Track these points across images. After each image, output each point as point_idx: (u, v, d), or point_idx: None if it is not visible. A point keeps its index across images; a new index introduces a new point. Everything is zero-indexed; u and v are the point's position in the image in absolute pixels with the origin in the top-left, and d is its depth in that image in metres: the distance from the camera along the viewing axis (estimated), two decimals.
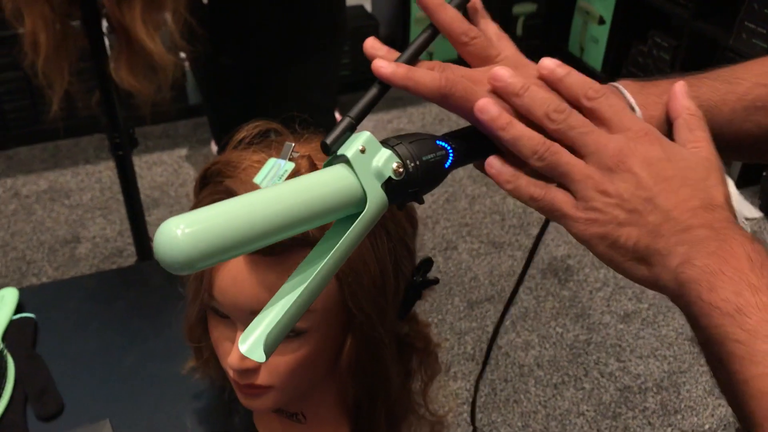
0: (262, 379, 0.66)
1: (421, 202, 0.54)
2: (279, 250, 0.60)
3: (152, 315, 1.03)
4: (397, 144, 0.52)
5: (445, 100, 0.52)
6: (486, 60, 0.56)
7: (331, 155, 0.51)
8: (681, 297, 0.45)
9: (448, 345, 1.99)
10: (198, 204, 0.65)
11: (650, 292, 2.15)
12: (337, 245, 0.48)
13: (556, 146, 0.50)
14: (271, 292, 0.61)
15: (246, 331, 0.47)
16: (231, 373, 0.66)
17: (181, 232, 0.41)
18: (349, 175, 0.49)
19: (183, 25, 1.32)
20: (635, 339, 2.02)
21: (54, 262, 2.25)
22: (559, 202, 0.50)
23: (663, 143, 0.49)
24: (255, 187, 0.60)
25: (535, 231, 2.36)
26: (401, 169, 0.51)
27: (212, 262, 0.42)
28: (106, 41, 1.43)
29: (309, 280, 0.48)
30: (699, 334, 0.45)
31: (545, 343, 2.01)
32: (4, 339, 0.97)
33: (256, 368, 0.65)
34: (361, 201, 0.50)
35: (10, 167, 2.64)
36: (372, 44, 0.55)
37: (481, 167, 0.57)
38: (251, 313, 0.62)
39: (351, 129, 0.51)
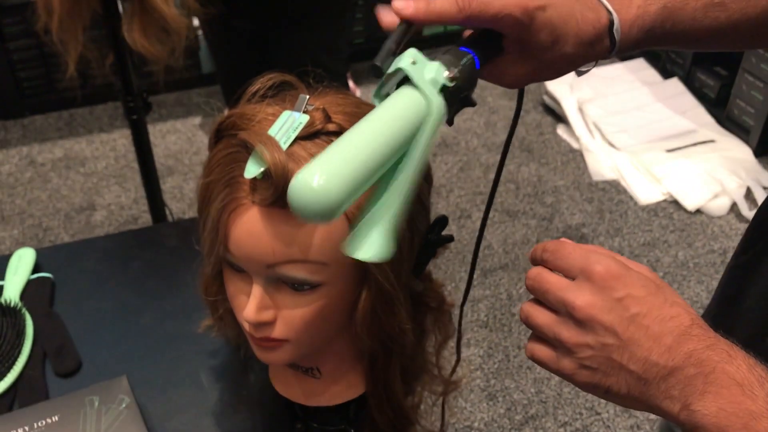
0: (277, 332, 0.66)
1: (474, 103, 0.57)
2: None
3: (168, 275, 1.04)
4: (435, 57, 0.54)
5: (467, 20, 0.54)
6: None
7: (384, 74, 0.52)
8: None
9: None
10: (213, 157, 0.65)
11: (665, 261, 2.14)
12: (417, 148, 0.51)
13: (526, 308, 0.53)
14: (286, 244, 0.61)
15: (353, 236, 0.50)
16: (246, 326, 0.66)
17: (317, 183, 0.43)
18: (412, 90, 0.52)
19: None
20: None
21: (70, 229, 2.27)
22: (541, 357, 0.53)
23: (622, 278, 0.50)
24: (270, 139, 0.59)
25: (549, 200, 2.35)
26: (452, 75, 0.53)
27: (348, 203, 0.45)
28: (119, 4, 1.42)
29: (407, 181, 0.50)
30: None
31: None
32: (22, 298, 0.98)
33: (271, 321, 0.65)
34: (426, 112, 0.52)
35: (26, 135, 2.65)
36: None
37: (486, 76, 0.61)
38: (267, 266, 0.62)
39: (395, 53, 0.53)
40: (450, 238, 0.78)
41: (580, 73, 0.66)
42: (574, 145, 2.56)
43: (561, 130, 2.62)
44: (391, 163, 0.50)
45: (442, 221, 0.76)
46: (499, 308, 2.01)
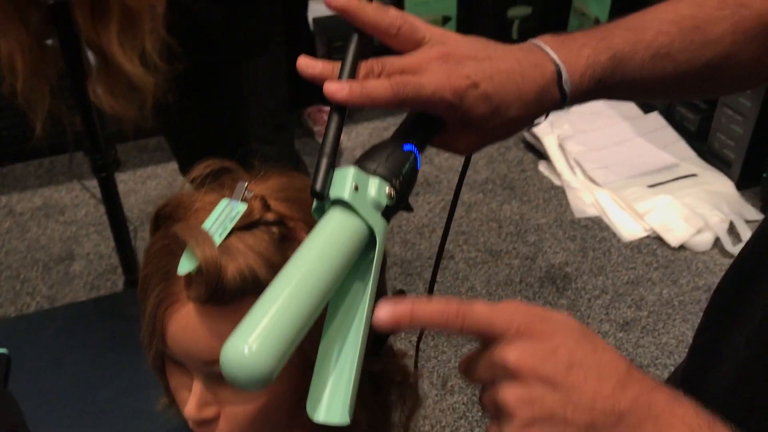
0: (221, 429, 0.63)
1: (412, 209, 0.56)
2: (230, 299, 0.57)
3: (129, 348, 1.01)
4: (378, 167, 0.52)
5: (402, 104, 0.53)
6: (416, 44, 0.57)
7: (325, 199, 0.50)
8: None
9: (445, 358, 1.96)
10: (150, 248, 0.63)
11: (650, 299, 2.12)
12: (367, 290, 0.49)
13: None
14: (224, 341, 0.59)
15: (312, 394, 0.48)
16: (189, 423, 0.64)
17: (248, 350, 0.41)
18: (351, 217, 0.50)
19: (161, 44, 1.30)
20: (635, 348, 1.99)
21: (48, 280, 2.24)
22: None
23: (543, 327, 0.46)
24: (202, 234, 0.57)
25: (532, 239, 2.33)
26: (393, 193, 0.52)
27: (283, 363, 0.43)
28: (91, 57, 1.40)
29: (361, 333, 0.49)
30: None
31: None
32: None
33: (214, 418, 0.63)
34: (367, 236, 0.50)
35: (5, 184, 2.63)
36: (306, 63, 0.55)
37: (437, 145, 0.60)
38: (205, 363, 0.60)
39: (333, 166, 0.51)
40: None
41: (531, 126, 0.65)
42: (556, 181, 2.55)
43: (542, 167, 2.62)
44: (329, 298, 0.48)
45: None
46: None
